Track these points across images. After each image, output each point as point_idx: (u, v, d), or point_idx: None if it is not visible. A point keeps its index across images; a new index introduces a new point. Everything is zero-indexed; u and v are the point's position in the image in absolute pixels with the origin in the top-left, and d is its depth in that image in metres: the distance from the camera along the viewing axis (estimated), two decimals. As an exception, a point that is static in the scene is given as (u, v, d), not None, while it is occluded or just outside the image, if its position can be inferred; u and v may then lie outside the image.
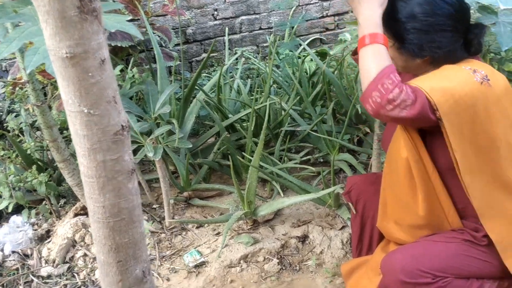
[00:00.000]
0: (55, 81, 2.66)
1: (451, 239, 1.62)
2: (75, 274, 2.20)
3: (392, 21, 1.53)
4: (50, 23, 0.89)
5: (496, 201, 1.54)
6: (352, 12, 1.90)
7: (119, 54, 3.01)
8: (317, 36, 4.37)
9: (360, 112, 2.83)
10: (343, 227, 2.37)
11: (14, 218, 2.43)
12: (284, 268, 2.21)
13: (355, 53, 1.82)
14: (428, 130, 1.52)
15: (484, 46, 2.47)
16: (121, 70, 2.65)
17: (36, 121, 2.58)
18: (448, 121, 1.41)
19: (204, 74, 3.75)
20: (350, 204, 2.00)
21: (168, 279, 2.16)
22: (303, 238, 2.35)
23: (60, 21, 0.89)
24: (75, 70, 0.93)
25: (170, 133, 2.51)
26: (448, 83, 1.43)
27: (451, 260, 1.57)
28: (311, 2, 4.25)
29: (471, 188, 1.50)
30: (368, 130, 2.89)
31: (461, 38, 1.51)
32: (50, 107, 2.50)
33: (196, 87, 2.81)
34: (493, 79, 1.48)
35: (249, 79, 3.60)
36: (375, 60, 1.41)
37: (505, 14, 1.70)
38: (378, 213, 1.85)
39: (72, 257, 2.28)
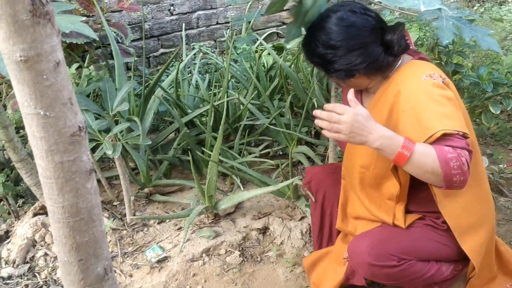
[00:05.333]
0: (9, 80, 2.61)
1: (414, 224, 1.72)
2: (36, 274, 2.18)
3: (314, 57, 1.65)
4: (3, 27, 0.89)
5: (449, 191, 1.61)
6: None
7: (75, 51, 2.97)
8: (273, 30, 4.41)
9: (316, 105, 2.89)
10: (302, 218, 2.43)
11: (-29, 220, 2.38)
12: (245, 260, 2.25)
13: None
14: None
15: (433, 39, 2.56)
16: (78, 68, 2.62)
17: (-10, 121, 2.52)
18: None
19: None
20: (309, 193, 2.05)
21: (131, 275, 2.16)
22: (264, 230, 2.39)
23: (13, 25, 0.89)
24: (30, 73, 0.93)
25: (129, 129, 2.50)
26: (442, 106, 1.48)
27: (415, 243, 1.67)
28: (268, -4, 4.28)
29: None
30: (324, 122, 2.94)
31: (378, 47, 1.57)
32: (4, 107, 2.46)
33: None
34: (446, 77, 1.57)
35: (207, 74, 3.61)
36: (426, 157, 1.42)
37: (449, 9, 1.76)
38: (337, 214, 1.93)
39: (33, 257, 2.25)
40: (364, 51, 1.56)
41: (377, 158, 1.62)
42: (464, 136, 1.45)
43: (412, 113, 1.48)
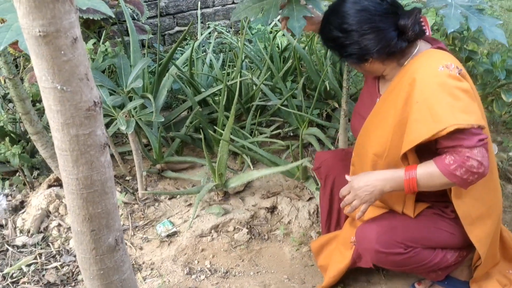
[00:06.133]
0: (26, 54, 2.64)
1: (422, 212, 1.74)
2: (50, 244, 2.24)
3: (328, 41, 1.67)
4: (24, 3, 0.92)
5: None
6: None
7: (91, 27, 2.99)
8: (289, 11, 4.39)
9: (328, 88, 2.89)
10: (310, 199, 2.46)
11: (-12, 190, 2.45)
12: (253, 237, 2.29)
13: None
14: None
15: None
16: (94, 43, 2.65)
17: (8, 93, 2.57)
18: None
19: (177, 48, 3.75)
20: (318, 180, 2.08)
21: (141, 248, 2.22)
22: (272, 209, 2.43)
23: (33, 1, 0.92)
24: (48, 48, 0.96)
25: (143, 106, 2.53)
26: (460, 101, 1.48)
27: (422, 231, 1.69)
28: (284, -23, 4.26)
29: None
30: (336, 105, 2.96)
31: (392, 32, 1.55)
32: (22, 80, 2.50)
33: (170, 62, 2.83)
34: (462, 68, 1.56)
35: (221, 54, 3.62)
36: (433, 177, 1.52)
37: (461, -4, 1.75)
38: None
39: (47, 227, 2.31)
40: (376, 36, 1.55)
41: (390, 147, 1.63)
42: (480, 127, 1.46)
43: (426, 104, 1.49)
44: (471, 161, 1.44)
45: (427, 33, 1.63)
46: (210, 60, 3.32)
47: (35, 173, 2.62)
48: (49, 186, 2.46)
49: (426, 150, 1.56)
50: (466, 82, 1.52)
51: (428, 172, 1.52)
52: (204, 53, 3.41)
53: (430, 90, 1.49)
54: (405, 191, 1.57)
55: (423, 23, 1.59)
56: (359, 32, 1.56)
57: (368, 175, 1.63)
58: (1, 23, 2.31)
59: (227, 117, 2.69)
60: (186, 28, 3.83)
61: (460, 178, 1.47)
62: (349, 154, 1.97)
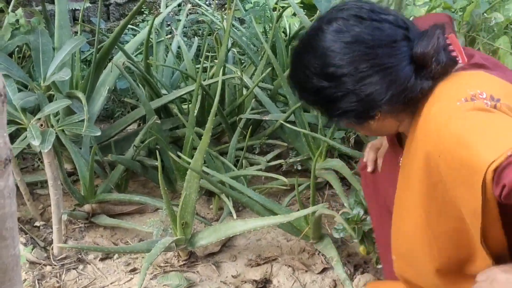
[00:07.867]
0: None
1: None
2: None
3: (308, 95, 1.66)
4: None
5: None
6: None
7: (-3, -14, 3.02)
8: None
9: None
10: (324, 270, 2.45)
11: None
12: (231, 327, 2.28)
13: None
14: None
15: None
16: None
17: None
18: None
19: (128, 26, 3.78)
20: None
21: (52, 336, 2.19)
22: (264, 283, 2.41)
23: None
24: None
25: (69, 111, 2.53)
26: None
27: None
28: None
29: None
30: (371, 125, 2.97)
31: (404, 67, 1.52)
32: None
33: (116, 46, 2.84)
34: (509, 102, 1.46)
35: (196, 38, 3.65)
36: None
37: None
38: None
39: None
40: (383, 78, 1.52)
41: (434, 240, 1.58)
42: None
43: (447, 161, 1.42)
44: None
45: (460, 61, 1.58)
46: (178, 47, 3.34)
47: None
48: None
49: None
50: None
51: None
52: (169, 36, 3.43)
53: (442, 145, 1.42)
54: None
55: (451, 47, 1.56)
56: (354, 76, 1.53)
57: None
58: None
59: (200, 136, 2.69)
60: (144, -4, 3.86)
61: None
62: None
